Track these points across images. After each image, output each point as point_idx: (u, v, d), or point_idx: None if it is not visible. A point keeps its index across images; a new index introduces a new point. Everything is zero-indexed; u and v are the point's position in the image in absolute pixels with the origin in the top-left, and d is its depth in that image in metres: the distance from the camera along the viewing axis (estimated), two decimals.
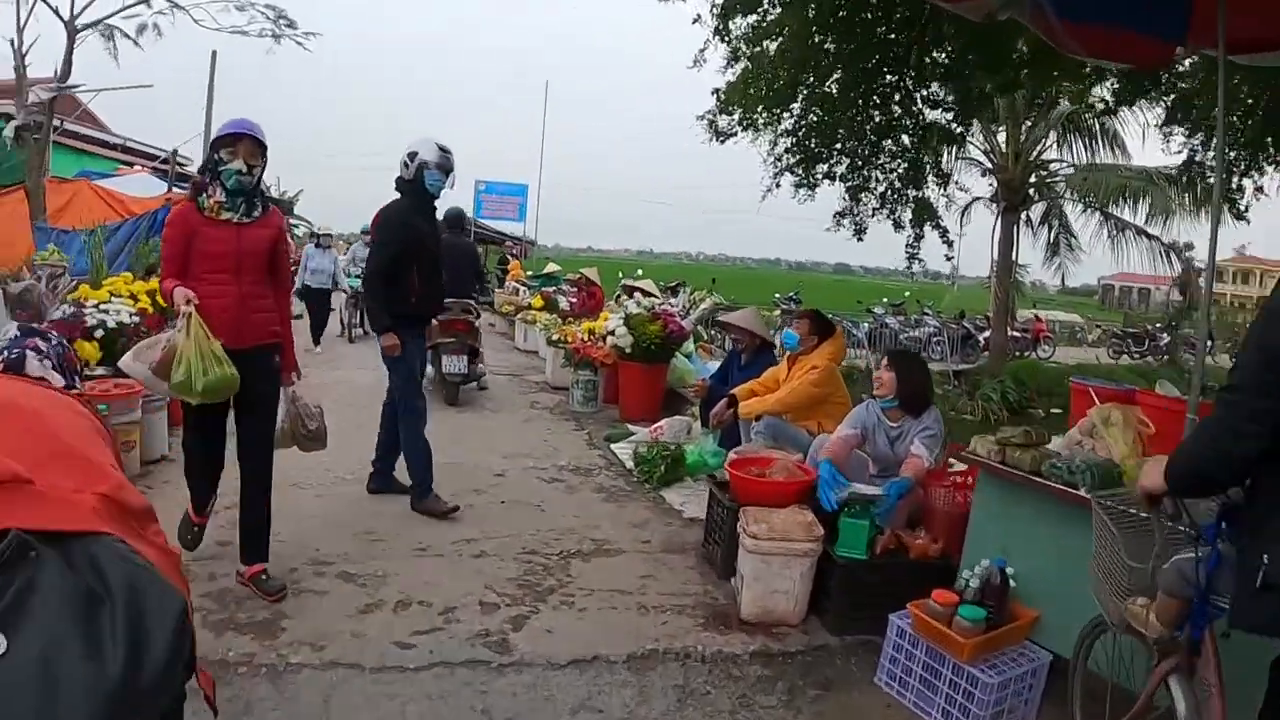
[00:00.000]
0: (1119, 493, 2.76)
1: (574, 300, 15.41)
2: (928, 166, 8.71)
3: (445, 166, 5.00)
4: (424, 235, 5.07)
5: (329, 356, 11.15)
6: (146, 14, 12.76)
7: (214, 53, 17.99)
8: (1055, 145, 15.78)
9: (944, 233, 9.62)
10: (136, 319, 6.35)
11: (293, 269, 13.90)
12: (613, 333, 8.07)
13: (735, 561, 3.98)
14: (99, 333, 5.95)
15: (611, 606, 3.88)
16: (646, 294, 9.56)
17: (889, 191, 8.61)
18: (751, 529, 3.72)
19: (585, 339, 9.04)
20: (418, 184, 4.96)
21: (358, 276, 10.90)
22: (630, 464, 6.23)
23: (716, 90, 7.34)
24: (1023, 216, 15.88)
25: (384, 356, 5.04)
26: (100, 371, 5.62)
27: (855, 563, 3.74)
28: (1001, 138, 15.17)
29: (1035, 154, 15.50)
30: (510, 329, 15.62)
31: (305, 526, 4.59)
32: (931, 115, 8.03)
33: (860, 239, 8.77)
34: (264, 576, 3.78)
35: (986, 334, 19.34)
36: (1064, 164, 16.27)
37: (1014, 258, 15.82)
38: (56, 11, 11.42)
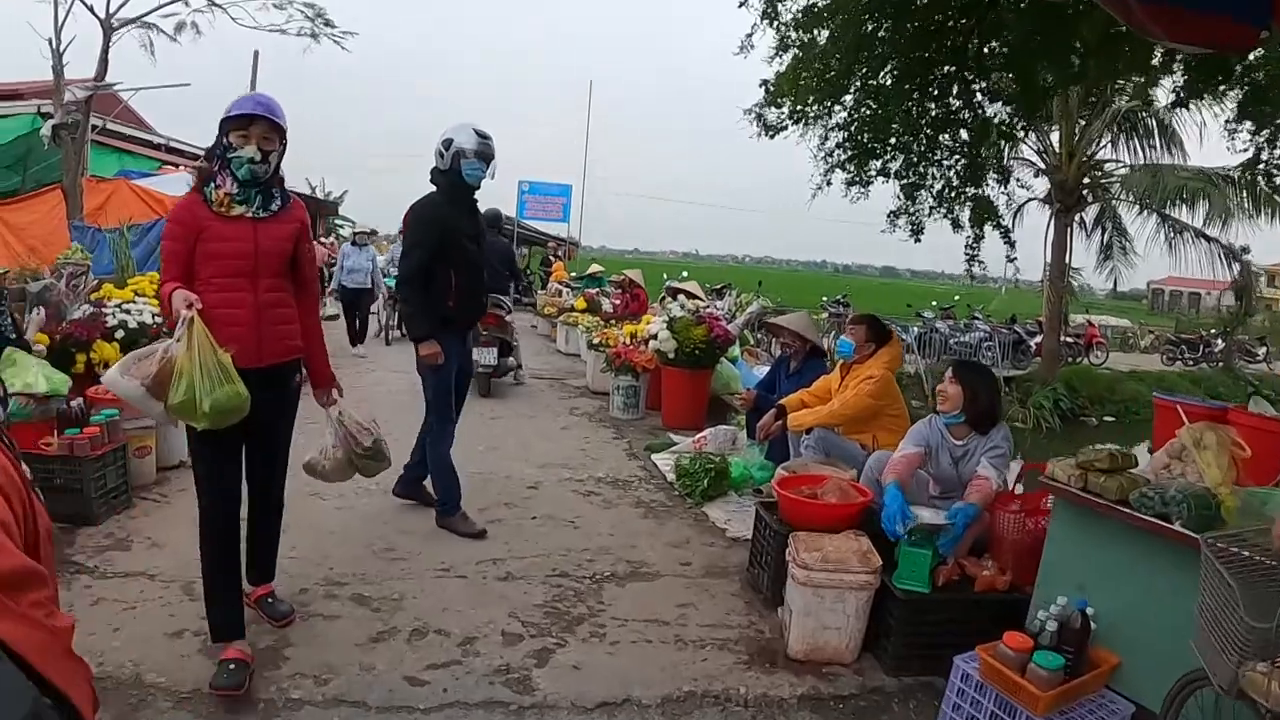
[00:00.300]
0: (1235, 533, 2.37)
1: (617, 303, 15.16)
2: (988, 163, 8.22)
3: (485, 154, 4.48)
4: (461, 232, 4.56)
5: (366, 359, 10.97)
6: (185, 12, 12.66)
7: (256, 52, 18.00)
8: (1110, 145, 15.23)
9: (1005, 233, 9.14)
10: (160, 320, 6.16)
11: (329, 269, 13.86)
12: (655, 337, 7.74)
13: (782, 589, 3.64)
14: (119, 333, 5.75)
15: (646, 639, 3.54)
16: (691, 296, 9.21)
17: (946, 189, 8.13)
18: (802, 557, 3.36)
19: (627, 343, 8.72)
20: (454, 175, 4.47)
21: (395, 276, 10.70)
22: (671, 476, 5.89)
23: (765, 82, 6.94)
24: (1075, 218, 15.32)
25: (419, 366, 4.63)
26: None
27: (916, 596, 3.37)
28: (1055, 137, 14.61)
29: (1089, 154, 14.92)
30: (552, 331, 15.37)
31: (321, 541, 4.33)
32: (991, 108, 7.58)
33: (918, 240, 8.30)
34: (270, 600, 3.51)
35: (1038, 339, 18.93)
36: (1119, 164, 15.69)
37: (1067, 261, 15.25)
38: (91, 9, 11.35)
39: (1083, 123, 14.51)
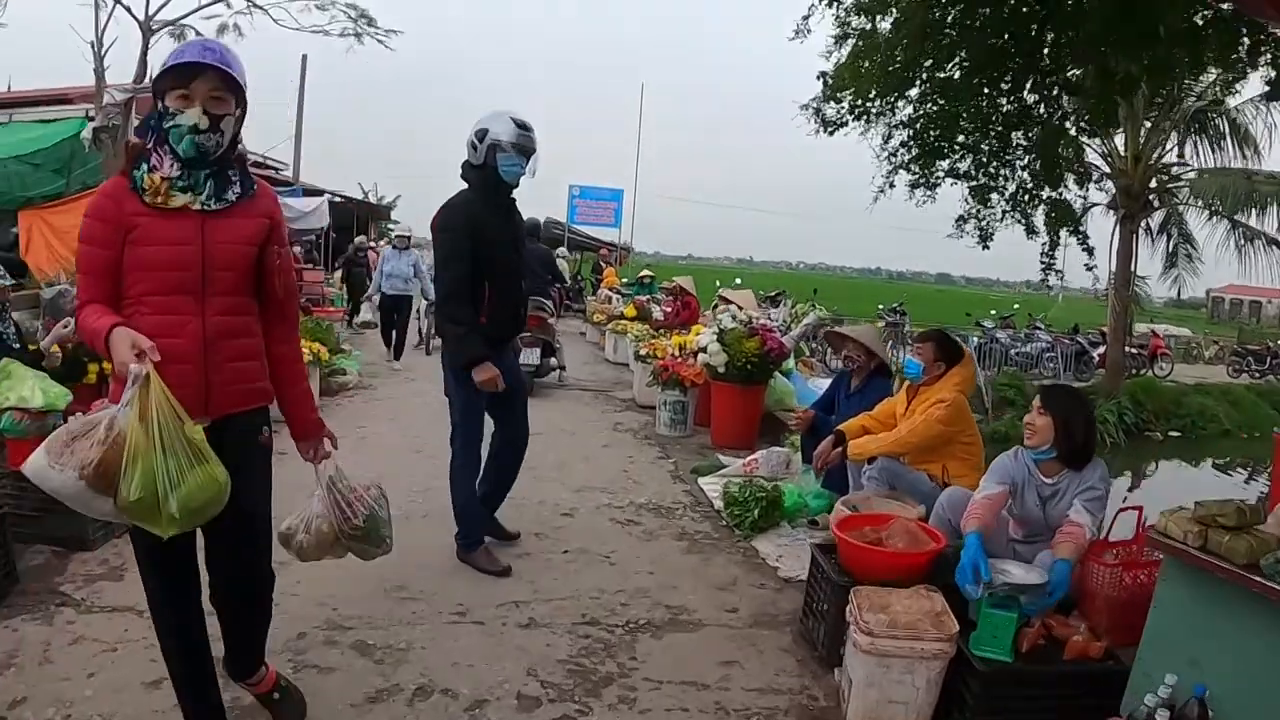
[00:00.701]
0: None
1: (667, 310, 14.69)
2: (1066, 163, 7.62)
3: (525, 148, 3.95)
4: (497, 237, 4.01)
5: (404, 370, 10.69)
6: (226, 14, 12.60)
7: (304, 56, 17.95)
8: (1177, 148, 14.44)
9: (1084, 239, 8.53)
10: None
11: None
12: (704, 349, 7.26)
13: (840, 646, 3.15)
14: None
15: (682, 708, 3.07)
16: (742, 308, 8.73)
17: (1020, 192, 7.56)
18: (866, 621, 2.87)
19: (675, 355, 8.28)
20: (489, 171, 3.95)
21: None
22: (719, 504, 5.41)
23: (823, 74, 6.48)
24: (1140, 224, 14.56)
25: (448, 387, 4.17)
26: None
27: (997, 666, 2.85)
28: (1120, 140, 13.85)
29: (1156, 157, 14.13)
30: (601, 339, 14.98)
31: (328, 576, 3.90)
32: (1067, 103, 6.99)
33: (986, 247, 7.76)
34: (276, 695, 2.73)
35: (1100, 350, 18.27)
36: (1188, 167, 14.89)
37: (1133, 268, 14.47)
38: (130, 10, 11.30)
39: (1149, 125, 13.78)
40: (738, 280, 20.46)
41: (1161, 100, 12.08)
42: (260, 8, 12.34)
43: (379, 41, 13.16)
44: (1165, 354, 21.42)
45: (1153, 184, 14.38)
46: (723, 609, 3.95)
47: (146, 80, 11.53)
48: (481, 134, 3.94)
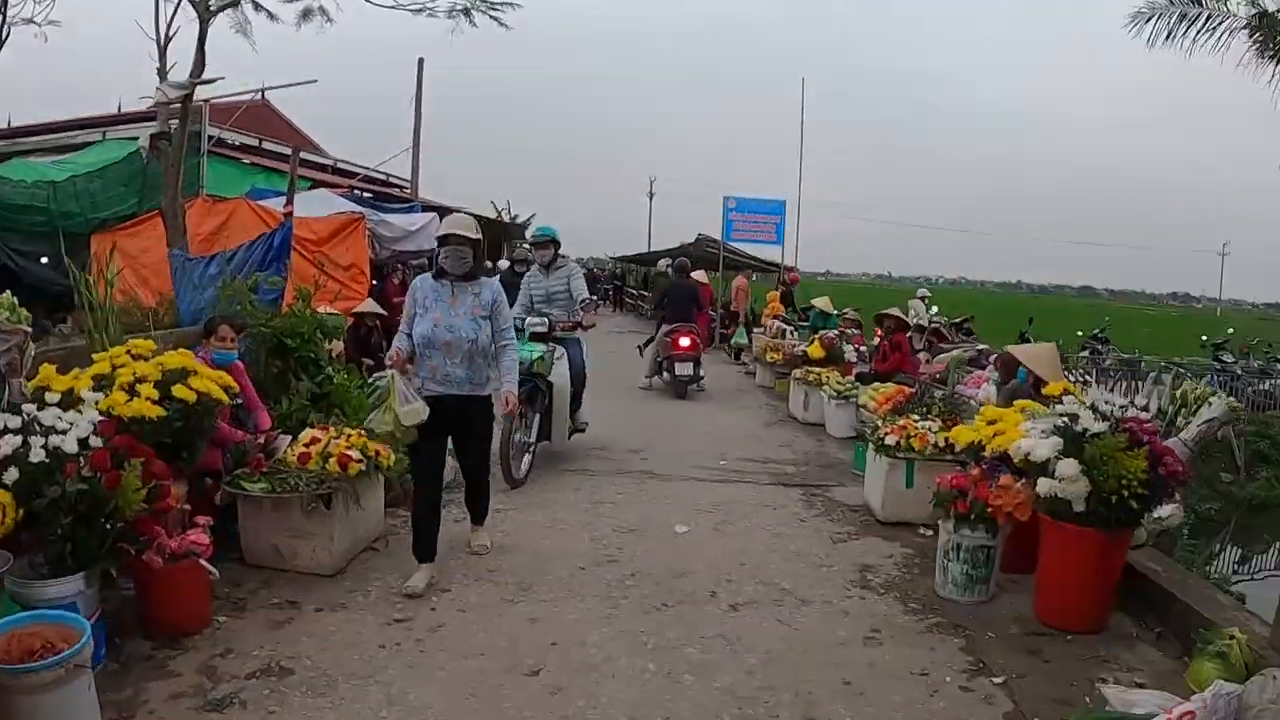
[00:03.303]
0: None
1: (859, 347, 11.41)
2: None
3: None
4: None
5: None
6: None
7: (420, 60, 15.66)
8: None
9: None
10: (98, 442, 3.26)
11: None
12: (1044, 466, 4.03)
13: None
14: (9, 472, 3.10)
15: None
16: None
17: None
18: None
19: (935, 439, 5.21)
20: None
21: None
22: None
23: None
24: None
25: None
26: None
27: None
28: None
29: None
30: (775, 382, 11.82)
31: None
32: None
33: None
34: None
35: None
36: None
37: None
38: None
39: None
40: (923, 293, 16.70)
41: None
42: None
43: (493, 18, 10.43)
44: None
45: None
46: None
47: (204, 74, 9.14)
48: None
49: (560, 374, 6.62)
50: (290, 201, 8.22)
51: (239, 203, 10.13)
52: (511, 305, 5.22)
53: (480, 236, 4.53)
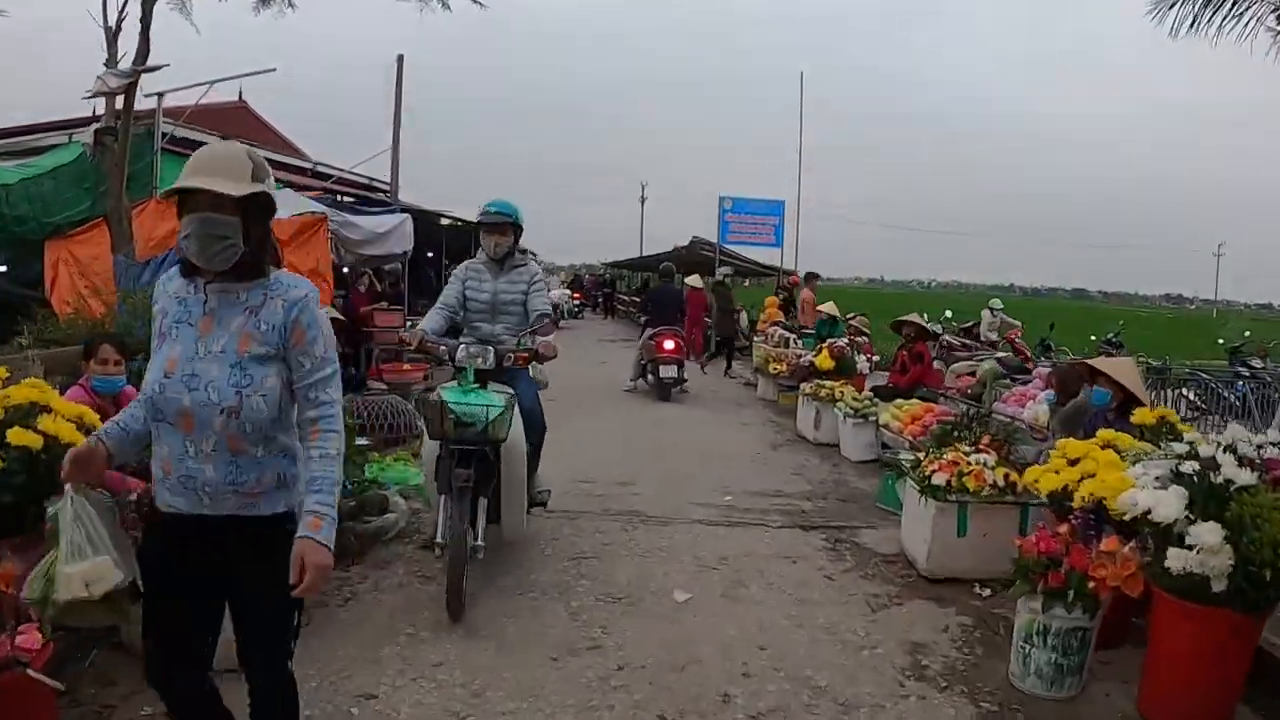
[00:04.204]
0: None
1: (874, 356, 10.42)
2: None
3: None
4: None
5: None
6: None
7: (400, 56, 14.67)
8: None
9: None
10: None
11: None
12: (1167, 530, 3.03)
13: None
14: None
15: None
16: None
17: None
18: None
19: (1002, 486, 4.19)
20: None
21: None
22: None
23: None
24: None
25: None
26: None
27: None
28: None
29: None
30: (779, 396, 10.82)
31: None
32: None
33: None
34: None
35: None
36: None
37: None
38: None
39: None
40: (996, 302, 15.69)
41: None
42: None
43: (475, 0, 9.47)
44: None
45: None
46: None
47: (148, 61, 8.13)
48: None
49: (514, 430, 4.26)
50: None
51: None
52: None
53: (266, 187, 2.18)
